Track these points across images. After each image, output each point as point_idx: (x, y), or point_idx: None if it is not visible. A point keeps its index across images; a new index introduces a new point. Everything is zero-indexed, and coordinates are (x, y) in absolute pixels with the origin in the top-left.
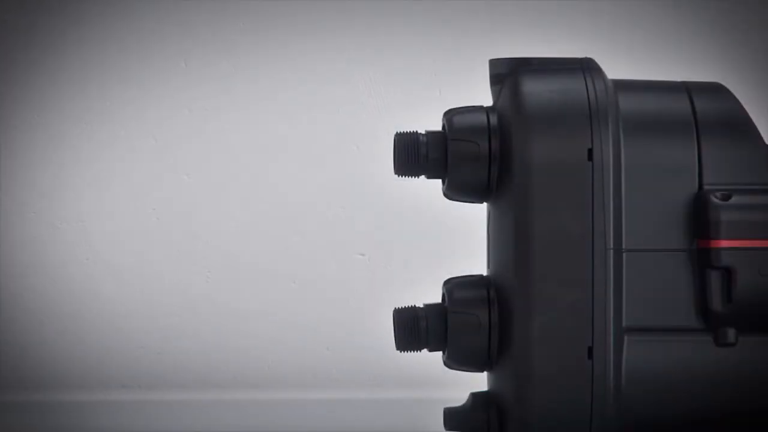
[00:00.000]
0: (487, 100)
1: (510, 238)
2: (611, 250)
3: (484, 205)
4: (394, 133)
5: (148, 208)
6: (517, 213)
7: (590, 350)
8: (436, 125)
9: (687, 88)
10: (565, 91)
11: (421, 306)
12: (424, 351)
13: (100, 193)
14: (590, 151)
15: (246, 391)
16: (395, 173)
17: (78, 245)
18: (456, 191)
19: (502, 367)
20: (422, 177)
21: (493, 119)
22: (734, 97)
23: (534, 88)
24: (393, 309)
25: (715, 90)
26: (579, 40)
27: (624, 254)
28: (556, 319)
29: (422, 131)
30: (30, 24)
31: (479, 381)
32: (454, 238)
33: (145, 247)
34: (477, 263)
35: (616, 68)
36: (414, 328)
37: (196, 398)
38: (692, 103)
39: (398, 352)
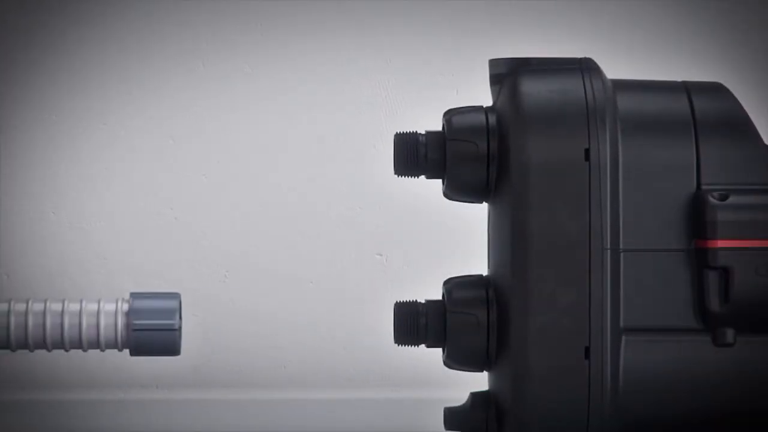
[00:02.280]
0: None
1: (507, 238)
2: (608, 250)
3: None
4: (394, 133)
5: (166, 208)
6: (515, 213)
7: (587, 350)
8: None
9: (686, 88)
10: (563, 91)
11: (423, 302)
12: (422, 347)
13: (118, 193)
14: (587, 151)
15: (258, 392)
16: (395, 173)
17: (96, 245)
18: (455, 191)
19: (500, 367)
20: (422, 177)
21: (492, 119)
22: (734, 97)
23: (532, 88)
24: (394, 302)
25: (715, 90)
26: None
27: (621, 254)
28: (553, 319)
29: (422, 131)
30: (41, 24)
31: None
32: (473, 239)
33: (163, 247)
34: None
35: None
36: (413, 324)
37: (212, 398)
38: (691, 102)
39: (396, 344)
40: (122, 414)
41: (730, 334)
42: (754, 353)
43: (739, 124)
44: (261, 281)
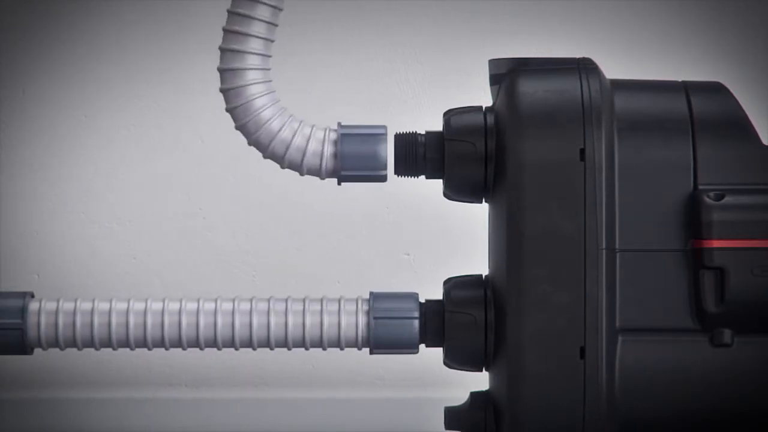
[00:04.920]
0: None
1: (504, 238)
2: (604, 250)
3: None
4: (394, 133)
5: (195, 208)
6: (511, 213)
7: (582, 350)
8: None
9: (685, 88)
10: (559, 91)
11: (422, 133)
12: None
13: (147, 193)
14: (582, 151)
15: (284, 391)
16: (395, 173)
17: (126, 244)
18: (454, 191)
19: (497, 367)
20: (422, 177)
21: (490, 119)
22: (733, 97)
23: (529, 88)
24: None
25: (715, 90)
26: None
27: (617, 254)
28: (548, 319)
29: (422, 131)
30: (72, 25)
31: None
32: None
33: (191, 247)
34: None
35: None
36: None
37: (237, 397)
38: (689, 102)
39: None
40: (150, 412)
41: (727, 334)
42: (750, 353)
43: (738, 124)
44: (289, 281)
